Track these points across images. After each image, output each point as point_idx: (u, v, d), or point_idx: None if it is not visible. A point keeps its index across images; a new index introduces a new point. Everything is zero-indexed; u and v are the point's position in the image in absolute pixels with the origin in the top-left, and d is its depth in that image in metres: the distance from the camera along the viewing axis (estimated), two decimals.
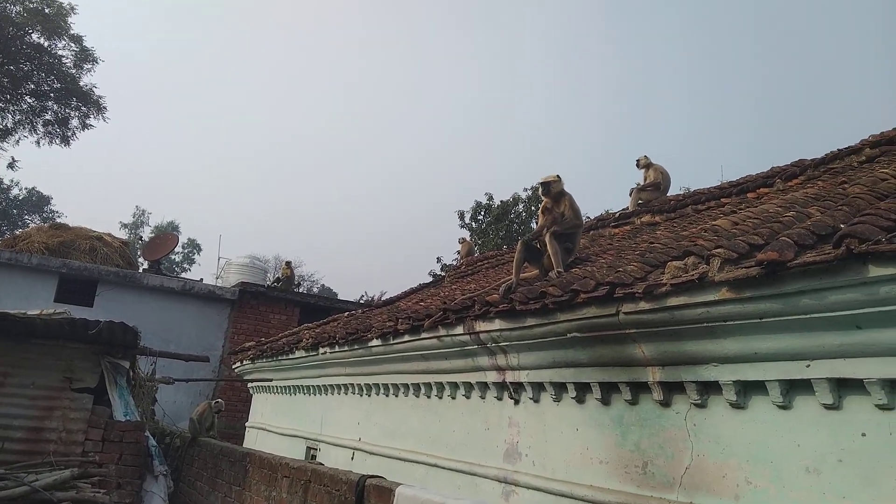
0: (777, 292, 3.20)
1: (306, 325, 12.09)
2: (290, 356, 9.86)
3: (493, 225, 28.23)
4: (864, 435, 3.15)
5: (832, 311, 3.08)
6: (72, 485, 6.19)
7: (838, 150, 6.84)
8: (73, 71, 22.61)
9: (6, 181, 38.40)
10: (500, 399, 5.71)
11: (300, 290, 23.61)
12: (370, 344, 7.35)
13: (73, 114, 23.18)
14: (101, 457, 6.91)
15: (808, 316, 3.17)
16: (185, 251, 45.10)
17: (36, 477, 6.09)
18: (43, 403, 6.89)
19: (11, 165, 24.12)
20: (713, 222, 4.92)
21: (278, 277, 17.50)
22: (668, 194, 8.93)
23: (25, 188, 40.30)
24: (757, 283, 3.25)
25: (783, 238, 3.30)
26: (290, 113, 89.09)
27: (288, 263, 17.52)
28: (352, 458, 7.89)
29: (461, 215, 29.35)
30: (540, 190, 6.39)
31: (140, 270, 16.64)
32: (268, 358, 10.88)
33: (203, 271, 54.11)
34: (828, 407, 3.29)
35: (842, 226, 3.28)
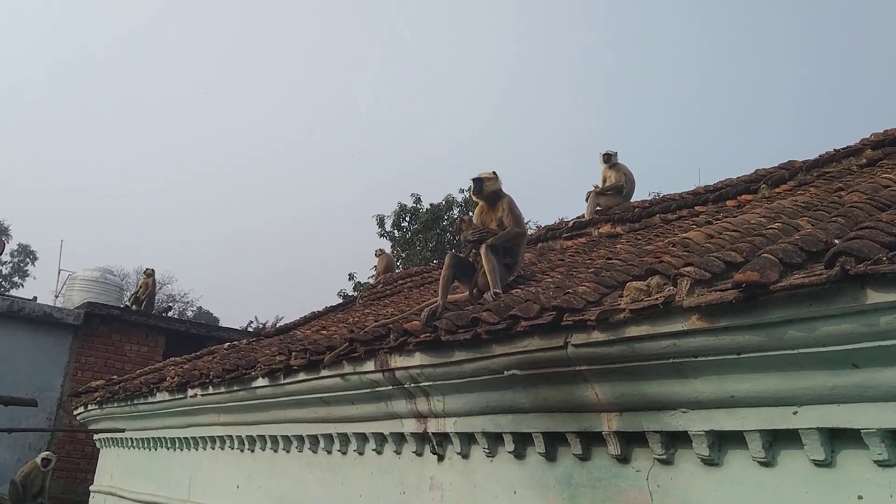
0: (758, 322, 3.25)
1: (173, 359, 11.83)
2: (150, 400, 9.55)
3: (420, 234, 28.33)
4: (860, 498, 3.22)
5: (824, 345, 3.14)
6: None
7: (835, 150, 7.16)
8: None
9: None
10: (419, 454, 5.65)
11: (169, 315, 22.92)
12: (254, 384, 7.17)
13: None
14: None
15: (796, 351, 3.23)
16: (15, 260, 43.34)
17: None
18: None
19: None
20: (684, 234, 5.02)
21: (135, 294, 16.97)
22: (632, 200, 9.12)
23: None
24: (734, 309, 3.29)
25: (766, 255, 3.36)
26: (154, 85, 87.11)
27: (149, 272, 17.02)
28: None
29: (381, 221, 29.37)
30: (472, 189, 6.42)
31: None
32: (121, 402, 10.52)
33: (39, 287, 51.92)
34: (818, 464, 3.35)
35: (836, 241, 3.38)
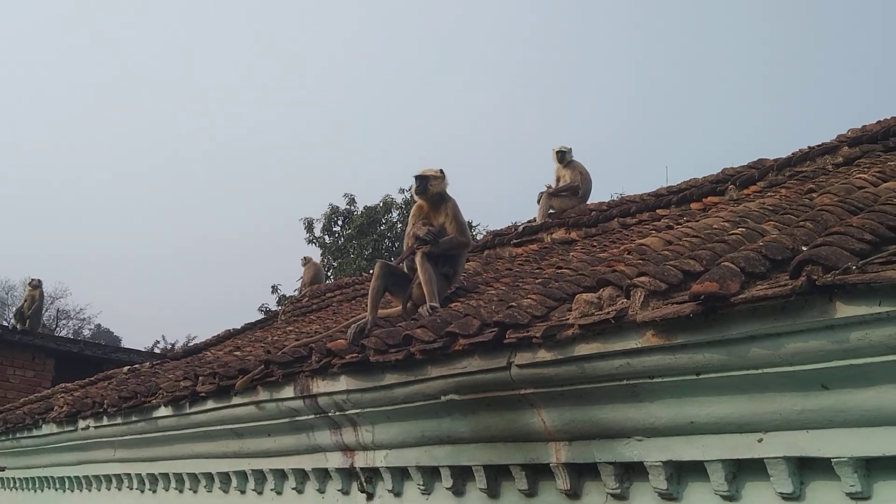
0: (718, 338, 3.30)
1: (63, 385, 11.60)
2: (35, 433, 9.33)
3: (354, 240, 28.23)
4: None
5: (790, 364, 3.21)
6: None
7: (809, 147, 7.35)
8: None
9: None
10: (346, 493, 5.63)
11: (59, 335, 22.42)
12: (156, 414, 7.06)
13: None
14: None
15: (760, 371, 3.29)
16: None
17: None
18: None
19: None
20: (641, 241, 5.09)
21: (20, 309, 16.58)
22: (588, 201, 9.23)
23: None
24: (692, 324, 3.34)
25: (726, 264, 3.42)
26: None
27: (35, 283, 16.65)
28: None
29: (309, 225, 29.20)
30: (414, 187, 6.41)
31: None
32: (1, 435, 10.25)
33: None
34: (786, 497, 3.42)
35: (803, 248, 3.46)
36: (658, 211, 7.59)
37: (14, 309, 19.79)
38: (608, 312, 3.61)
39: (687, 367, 3.47)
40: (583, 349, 3.76)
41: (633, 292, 3.60)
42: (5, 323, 17.07)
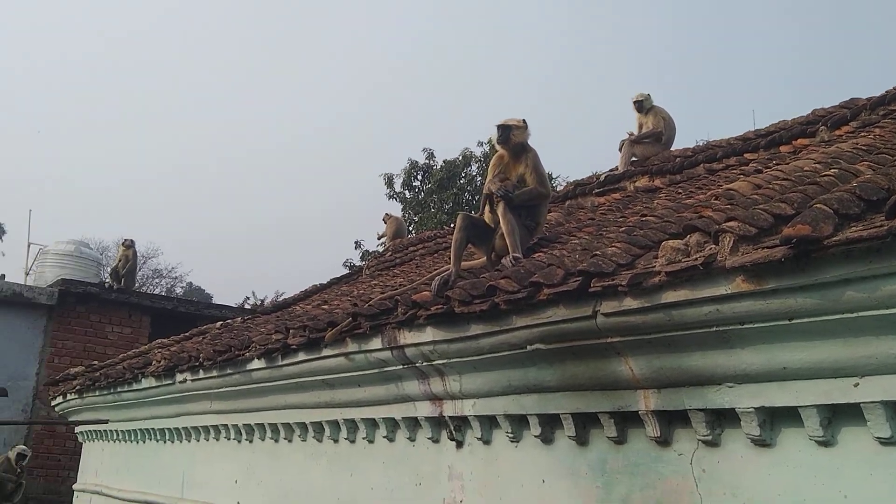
0: (811, 282, 3.23)
1: (160, 341, 11.93)
2: (135, 387, 9.69)
3: (434, 194, 28.30)
4: None
5: (886, 307, 3.13)
6: None
7: None
8: None
9: None
10: (436, 441, 5.72)
11: (154, 293, 23.14)
12: (249, 366, 7.25)
13: None
14: None
15: (855, 315, 3.22)
16: None
17: None
18: None
19: None
20: (728, 186, 4.99)
21: (115, 268, 17.08)
22: (672, 148, 9.05)
23: None
24: (784, 269, 3.28)
25: (818, 206, 3.34)
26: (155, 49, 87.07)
27: (128, 244, 17.12)
28: None
29: (389, 181, 29.33)
30: (496, 136, 6.39)
31: None
32: (102, 390, 10.69)
33: (6, 265, 52.53)
34: (884, 441, 3.36)
35: None
36: (746, 155, 7.41)
37: (109, 269, 20.41)
38: (696, 259, 3.56)
39: (779, 312, 3.42)
40: (670, 296, 3.72)
41: (721, 237, 3.54)
42: (101, 282, 17.51)
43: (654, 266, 3.78)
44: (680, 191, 7.01)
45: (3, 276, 17.86)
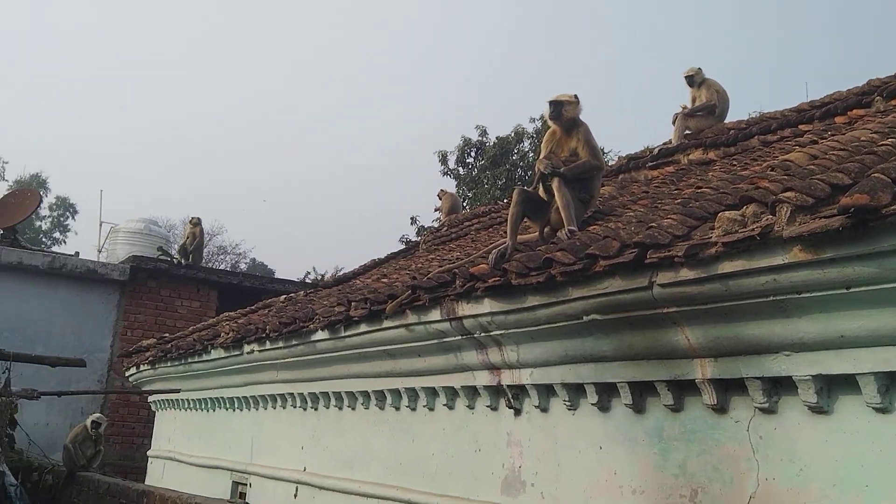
0: (869, 251, 3.19)
1: (227, 314, 12.15)
2: (205, 357, 9.90)
3: (487, 170, 28.26)
4: None
5: None
6: None
7: None
8: None
9: None
10: (494, 409, 5.75)
11: (220, 268, 23.53)
12: (314, 338, 7.36)
13: None
14: None
15: None
16: (55, 214, 44.82)
17: None
18: None
19: None
20: (784, 157, 4.90)
21: (183, 245, 17.36)
22: (725, 121, 8.91)
23: None
24: (841, 238, 3.23)
25: (876, 175, 3.28)
26: (212, 35, 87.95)
27: (195, 221, 17.37)
28: (295, 496, 7.99)
29: (443, 158, 29.35)
30: (548, 112, 6.36)
31: None
32: (174, 361, 10.93)
33: (80, 242, 53.78)
34: None
35: None
36: (800, 126, 7.26)
37: (176, 246, 20.78)
38: (753, 229, 3.52)
39: (836, 281, 3.38)
40: (727, 267, 3.70)
41: (778, 208, 3.49)
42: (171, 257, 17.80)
43: (711, 237, 3.75)
44: (734, 163, 6.91)
45: (77, 253, 18.25)
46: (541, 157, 6.34)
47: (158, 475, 11.92)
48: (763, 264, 3.55)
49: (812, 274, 3.43)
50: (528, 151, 28.34)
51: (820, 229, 3.24)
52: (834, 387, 3.70)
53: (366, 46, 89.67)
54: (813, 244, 3.35)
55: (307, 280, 26.54)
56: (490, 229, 10.59)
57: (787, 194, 3.51)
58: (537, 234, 6.28)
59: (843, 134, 5.45)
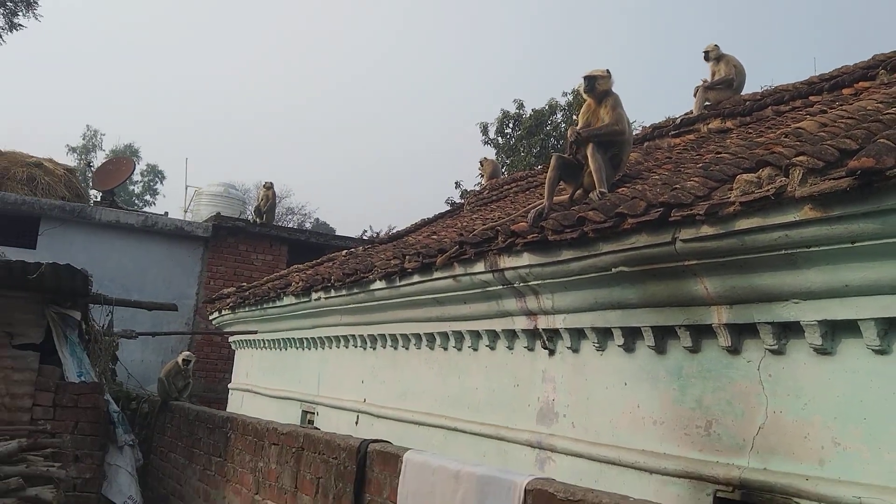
0: (873, 209, 3.15)
1: (296, 266, 12.25)
2: (278, 304, 10.05)
3: (523, 140, 27.99)
4: None
5: None
6: (20, 457, 6.42)
7: None
8: None
9: None
10: (531, 349, 5.78)
11: (288, 226, 23.78)
12: (372, 287, 7.44)
13: None
14: (54, 425, 7.16)
15: None
16: (146, 180, 45.38)
17: None
18: None
19: None
20: (796, 125, 4.81)
21: (258, 206, 17.52)
22: (742, 93, 8.71)
23: None
24: (848, 197, 3.20)
25: (882, 141, 3.22)
26: (277, 13, 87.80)
27: (268, 185, 17.52)
28: (356, 423, 8.12)
29: (484, 129, 29.09)
30: (583, 86, 6.27)
31: (91, 204, 16.76)
32: (251, 306, 11.10)
33: (167, 204, 54.60)
34: None
35: None
36: (811, 98, 7.09)
37: (251, 206, 20.99)
38: (768, 190, 3.49)
39: (842, 236, 3.34)
40: (743, 224, 3.68)
41: (791, 171, 3.45)
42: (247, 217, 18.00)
43: (729, 197, 3.72)
44: (750, 131, 6.77)
45: (167, 213, 18.56)
46: (577, 127, 6.27)
47: (238, 405, 12.18)
48: (776, 221, 3.52)
49: (821, 230, 3.40)
50: (560, 122, 27.99)
51: (829, 189, 3.21)
52: (838, 331, 3.67)
53: (425, 34, 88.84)
54: (822, 203, 3.31)
55: (364, 237, 26.69)
56: (527, 192, 10.54)
57: (800, 158, 3.46)
58: (570, 195, 6.24)
59: (851, 104, 5.32)
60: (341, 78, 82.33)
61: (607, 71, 6.15)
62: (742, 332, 4.12)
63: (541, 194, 7.13)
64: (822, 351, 3.70)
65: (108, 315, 9.05)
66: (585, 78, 6.18)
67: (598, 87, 6.10)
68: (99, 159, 38.61)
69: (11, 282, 7.19)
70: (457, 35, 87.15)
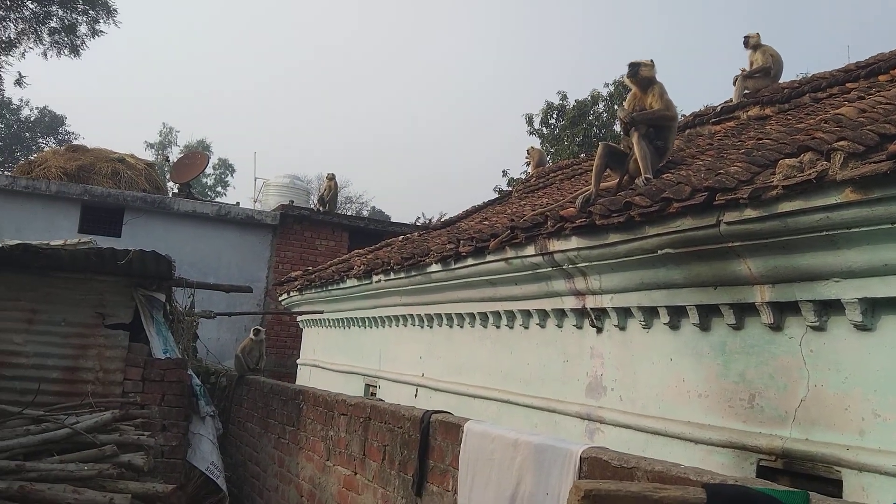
0: None
1: (357, 251, 12.37)
2: (341, 286, 10.18)
3: (567, 130, 27.68)
4: None
5: None
6: (114, 427, 6.65)
7: None
8: None
9: (15, 101, 39.56)
10: (579, 327, 5.78)
11: (348, 214, 23.97)
12: (429, 269, 7.50)
13: (80, 19, 23.50)
14: (143, 397, 7.38)
15: None
16: (217, 172, 46.10)
17: (76, 419, 6.57)
18: (76, 342, 7.35)
19: (19, 82, 24.70)
20: (836, 111, 4.69)
21: (321, 195, 17.72)
22: (780, 81, 8.51)
23: (36, 108, 41.49)
24: (888, 180, 3.13)
25: None
26: (334, 14, 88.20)
27: (331, 176, 17.70)
28: (415, 396, 8.21)
29: (529, 120, 28.87)
30: (627, 73, 6.21)
31: (169, 195, 17.15)
32: (317, 288, 11.27)
33: (238, 195, 55.52)
34: None
35: None
36: (847, 85, 6.88)
37: (314, 196, 21.20)
38: (809, 174, 3.43)
39: (882, 217, 3.28)
40: (786, 206, 3.63)
41: (833, 155, 3.39)
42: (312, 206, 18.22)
43: (772, 181, 3.67)
44: (789, 118, 6.62)
45: (238, 203, 18.87)
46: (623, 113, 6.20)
47: (306, 378, 12.40)
48: (818, 204, 3.47)
49: (861, 211, 3.34)
50: (602, 112, 27.63)
51: (870, 173, 3.15)
52: (877, 308, 3.61)
53: (476, 38, 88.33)
54: (863, 186, 3.25)
55: (418, 223, 26.80)
56: (572, 179, 10.46)
57: (841, 143, 3.40)
58: (617, 181, 6.19)
59: (888, 90, 5.18)
60: (395, 79, 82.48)
61: (651, 61, 6.09)
62: (784, 310, 4.06)
63: (587, 181, 7.09)
64: (862, 327, 3.64)
65: (189, 297, 9.27)
66: (630, 65, 6.12)
67: (641, 73, 6.03)
68: (174, 154, 39.36)
69: (103, 267, 7.42)
70: (502, 33, 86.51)
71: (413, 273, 7.91)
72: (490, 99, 78.25)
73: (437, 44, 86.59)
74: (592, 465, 3.07)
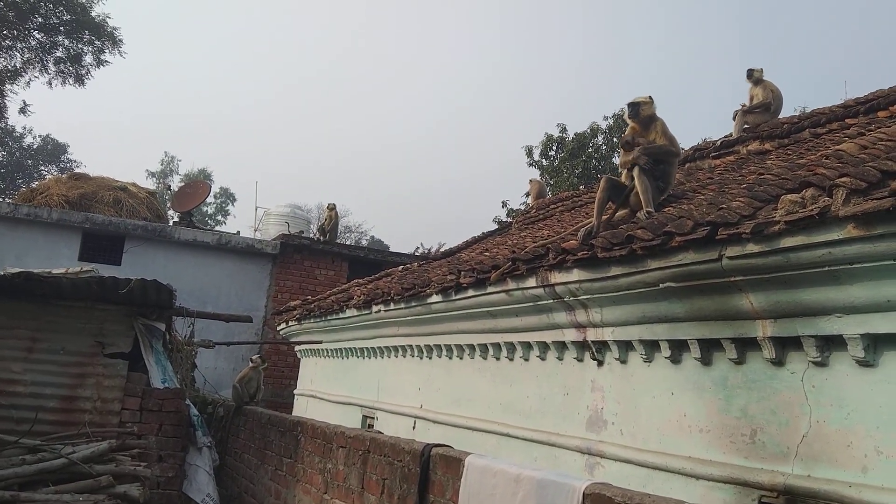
0: None
1: (356, 280, 12.35)
2: (340, 315, 10.13)
3: (567, 161, 27.84)
4: None
5: None
6: (110, 457, 6.61)
7: None
8: (84, 0, 23.11)
9: (18, 128, 39.84)
10: (580, 360, 5.75)
11: (348, 243, 24.01)
12: (429, 300, 7.47)
13: (85, 49, 23.75)
14: (140, 427, 7.33)
15: None
16: (218, 201, 46.27)
17: (73, 449, 6.53)
18: (75, 370, 7.33)
19: (23, 110, 24.96)
20: (836, 147, 4.72)
21: (321, 226, 17.78)
22: (779, 116, 8.59)
23: (39, 136, 41.73)
24: (890, 217, 3.14)
25: None
26: (329, 45, 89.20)
27: (331, 206, 17.76)
28: (413, 428, 8.13)
29: (529, 152, 29.05)
30: (627, 112, 6.26)
31: (170, 224, 17.19)
32: (315, 318, 11.21)
33: (238, 224, 55.55)
34: None
35: None
36: (846, 120, 6.94)
37: (315, 226, 21.25)
38: (812, 210, 3.44)
39: (885, 253, 3.28)
40: (788, 242, 3.63)
41: (835, 191, 3.40)
42: (312, 236, 18.27)
43: (774, 216, 3.68)
44: (789, 153, 6.66)
45: (238, 232, 18.94)
46: (623, 153, 6.22)
47: (303, 409, 12.28)
48: (820, 239, 3.48)
49: (864, 247, 3.34)
50: (601, 145, 27.83)
51: (872, 209, 3.16)
52: (880, 344, 3.60)
53: (473, 65, 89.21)
54: (865, 222, 3.26)
55: (417, 253, 26.81)
56: (572, 211, 10.48)
57: (843, 179, 3.41)
58: (621, 214, 6.20)
59: (889, 127, 5.21)
60: (392, 105, 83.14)
61: (650, 97, 6.14)
62: (786, 345, 4.05)
63: (586, 214, 7.12)
64: (864, 363, 3.63)
65: (189, 326, 9.24)
66: (629, 105, 6.17)
67: (641, 113, 6.08)
68: (175, 183, 39.53)
69: (104, 295, 7.43)
70: (500, 65, 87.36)
71: (413, 303, 7.89)
72: (489, 130, 78.86)
73: (436, 73, 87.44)
74: (595, 501, 3.04)
